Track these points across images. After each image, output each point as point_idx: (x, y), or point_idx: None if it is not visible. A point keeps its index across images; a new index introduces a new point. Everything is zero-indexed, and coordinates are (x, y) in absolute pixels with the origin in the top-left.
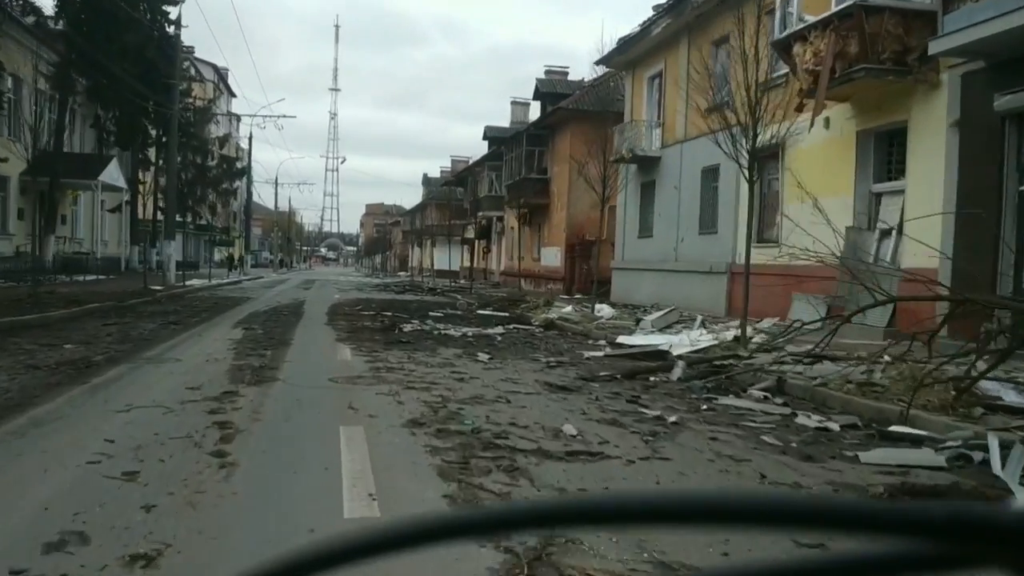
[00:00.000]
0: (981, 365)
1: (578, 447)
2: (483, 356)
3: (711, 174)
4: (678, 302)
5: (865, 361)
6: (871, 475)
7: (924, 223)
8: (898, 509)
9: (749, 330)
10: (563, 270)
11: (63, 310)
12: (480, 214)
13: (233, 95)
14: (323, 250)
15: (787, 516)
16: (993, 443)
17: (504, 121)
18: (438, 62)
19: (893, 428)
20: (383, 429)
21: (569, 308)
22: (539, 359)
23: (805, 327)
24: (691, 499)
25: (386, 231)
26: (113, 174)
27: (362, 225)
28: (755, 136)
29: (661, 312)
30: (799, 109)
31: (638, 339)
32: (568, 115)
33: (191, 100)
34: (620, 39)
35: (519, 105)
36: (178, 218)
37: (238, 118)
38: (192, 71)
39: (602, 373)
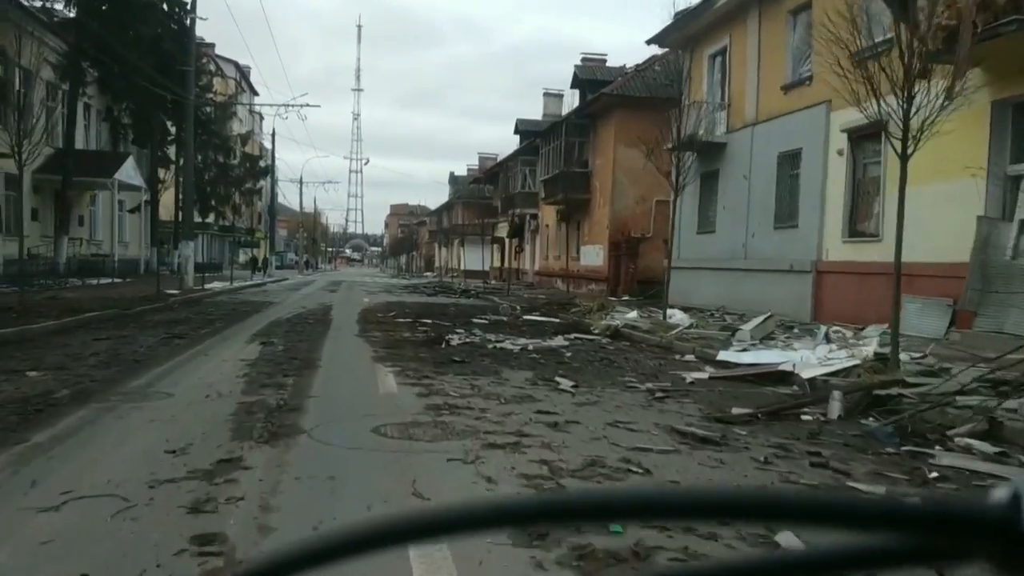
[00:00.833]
0: None
1: None
2: (564, 383)
3: (790, 160)
4: (750, 305)
5: None
6: None
7: None
8: (881, 503)
9: (875, 343)
10: (606, 270)
11: (52, 321)
12: (512, 212)
13: (256, 93)
14: (348, 251)
15: (774, 511)
16: None
17: (529, 118)
18: (457, 62)
19: None
20: (481, 556)
21: (633, 314)
22: (635, 385)
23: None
24: (691, 494)
25: (412, 231)
26: (130, 172)
27: (387, 225)
28: (911, 97)
29: (758, 320)
30: (924, 75)
31: (746, 355)
32: (613, 102)
33: (211, 95)
34: (677, 13)
35: (552, 97)
36: (200, 219)
37: (261, 117)
38: (212, 67)
39: (735, 410)
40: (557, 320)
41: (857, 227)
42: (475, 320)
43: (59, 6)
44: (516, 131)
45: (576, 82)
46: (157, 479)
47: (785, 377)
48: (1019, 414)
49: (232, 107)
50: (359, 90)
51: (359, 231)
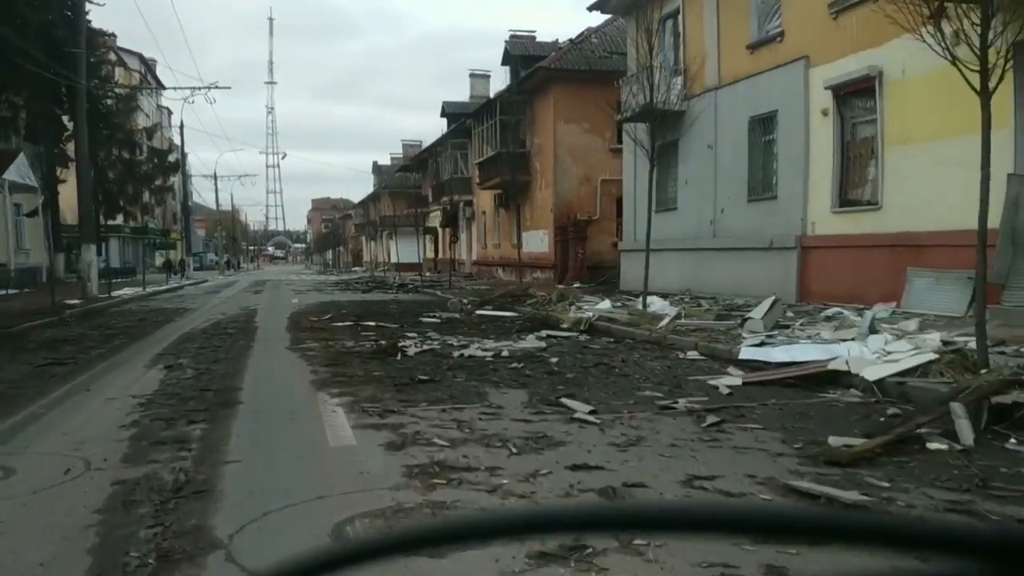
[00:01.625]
0: None
1: None
2: (576, 406)
3: (763, 125)
4: (722, 287)
5: None
6: None
7: None
8: (951, 527)
9: (939, 334)
10: (553, 256)
11: None
12: (445, 199)
13: (163, 87)
14: (271, 249)
15: (837, 532)
16: None
17: (456, 100)
18: (373, 51)
19: None
20: None
21: (605, 303)
22: (666, 404)
23: None
24: (738, 510)
25: (336, 225)
26: (22, 171)
27: (309, 221)
28: (987, 18)
29: (764, 306)
30: (938, 13)
31: (776, 351)
32: (551, 76)
33: (113, 84)
34: None
35: (479, 78)
36: (111, 221)
37: (169, 112)
38: (113, 56)
39: (834, 440)
40: (515, 314)
41: (848, 195)
42: (424, 319)
43: None
44: (443, 114)
45: (507, 58)
46: None
47: (836, 377)
48: None
49: (135, 99)
50: (272, 83)
51: (281, 228)
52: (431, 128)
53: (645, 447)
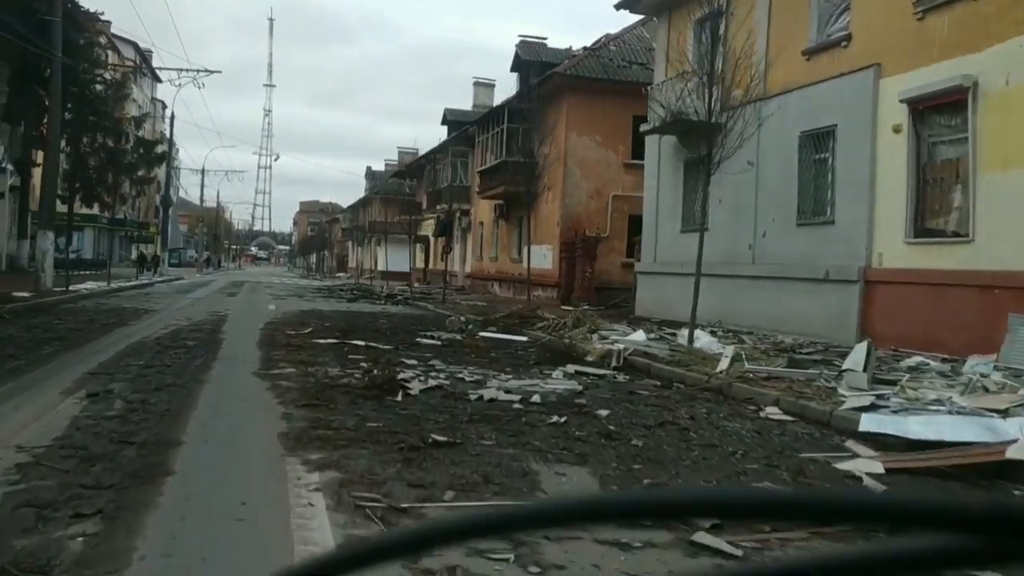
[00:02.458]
0: None
1: None
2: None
3: (818, 140)
4: (761, 320)
5: None
6: None
7: None
8: (937, 503)
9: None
10: (557, 273)
11: None
12: (441, 207)
13: (159, 80)
14: (254, 249)
15: (828, 511)
16: None
17: (458, 107)
18: (368, 59)
19: None
20: None
21: (639, 335)
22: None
23: None
24: (735, 494)
25: (323, 229)
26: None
27: (296, 223)
28: None
29: (858, 353)
30: None
31: (912, 423)
32: (567, 83)
33: (102, 70)
34: None
35: (483, 87)
36: (88, 210)
37: (164, 105)
38: (105, 41)
39: None
40: (525, 339)
41: (927, 224)
42: (422, 339)
43: None
44: (444, 121)
45: (517, 64)
46: None
47: (1007, 469)
48: None
49: (127, 87)
50: (271, 85)
51: (266, 228)
52: (424, 138)
53: None
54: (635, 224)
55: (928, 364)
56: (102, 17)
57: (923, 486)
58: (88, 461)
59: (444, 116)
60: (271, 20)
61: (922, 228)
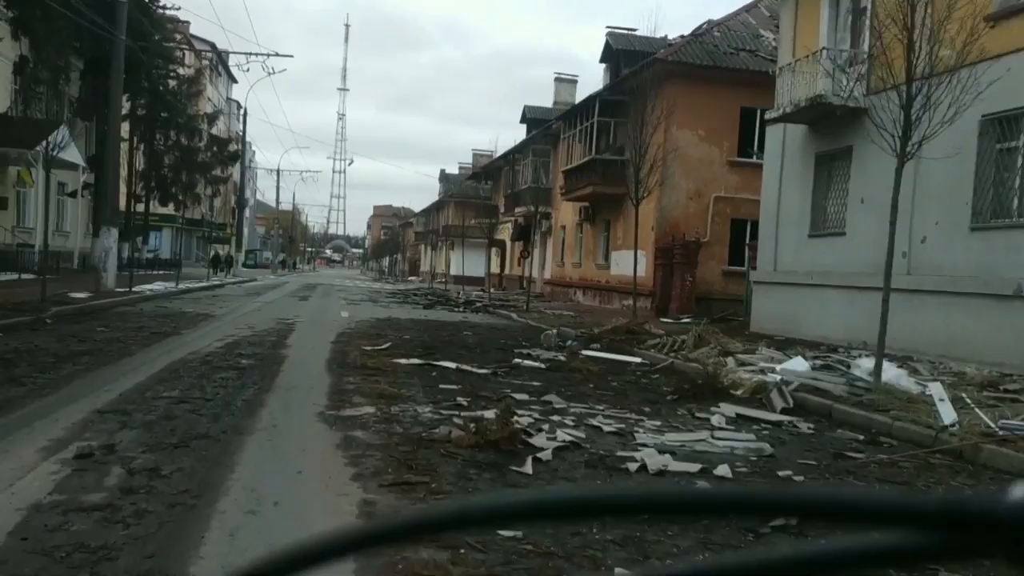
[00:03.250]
0: None
1: None
2: None
3: (1004, 127)
4: (921, 343)
5: None
6: None
7: None
8: (894, 499)
9: None
10: (651, 281)
11: None
12: (520, 210)
13: (234, 80)
14: (328, 252)
15: (784, 506)
16: None
17: (538, 105)
18: (440, 65)
19: None
20: None
21: (797, 363)
22: None
23: None
24: (709, 493)
25: (396, 233)
26: (61, 145)
27: (369, 227)
28: None
29: None
30: None
31: None
32: (668, 71)
33: (176, 66)
34: None
35: (565, 83)
36: (165, 211)
37: (239, 106)
38: (178, 37)
39: None
40: (640, 360)
41: None
42: (520, 360)
43: None
44: (523, 120)
45: (607, 54)
46: None
47: None
48: None
49: (200, 82)
50: (345, 90)
51: (341, 232)
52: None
53: None
54: (738, 229)
55: None
56: (180, 17)
57: None
58: None
59: (523, 114)
60: (347, 26)
61: None
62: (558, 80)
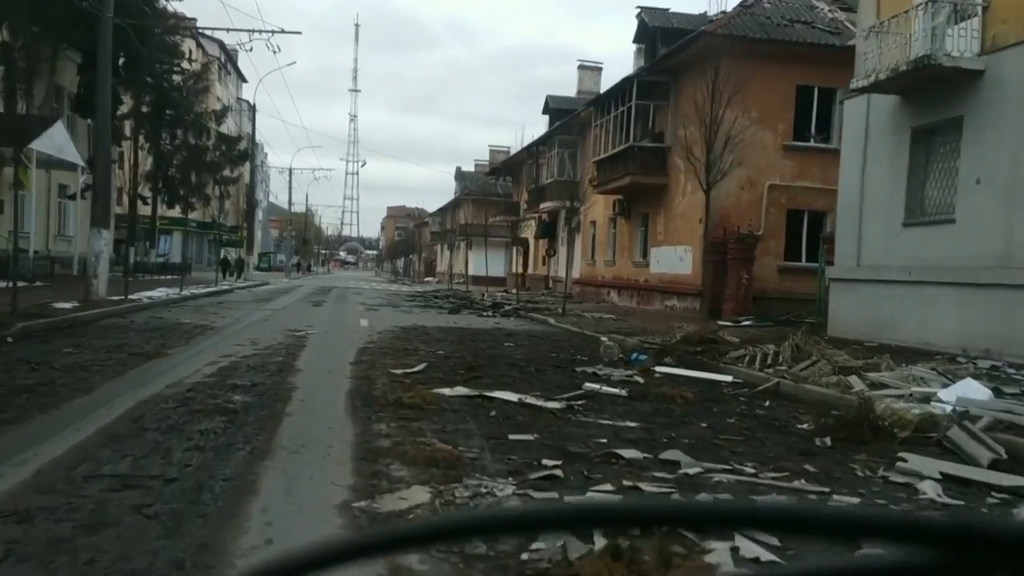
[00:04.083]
0: None
1: None
2: None
3: None
4: None
5: None
6: None
7: None
8: (902, 518)
9: None
10: (698, 280)
11: None
12: (545, 205)
13: (244, 80)
14: (342, 254)
15: (790, 523)
16: None
17: (561, 94)
18: (450, 64)
19: None
20: None
21: (970, 386)
22: None
23: None
24: (711, 506)
25: (410, 233)
26: (57, 143)
27: (383, 228)
28: None
29: None
30: None
31: None
32: (716, 46)
33: (180, 60)
34: None
35: (589, 70)
36: (172, 213)
37: (251, 106)
38: (183, 33)
39: None
40: (729, 377)
41: None
42: (585, 379)
43: None
44: (545, 110)
45: (642, 33)
46: None
47: None
48: None
49: (207, 79)
50: (356, 91)
51: (354, 234)
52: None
53: None
54: (794, 220)
55: None
56: (188, 14)
57: None
58: None
59: (546, 104)
60: (357, 26)
61: None
62: (581, 68)
